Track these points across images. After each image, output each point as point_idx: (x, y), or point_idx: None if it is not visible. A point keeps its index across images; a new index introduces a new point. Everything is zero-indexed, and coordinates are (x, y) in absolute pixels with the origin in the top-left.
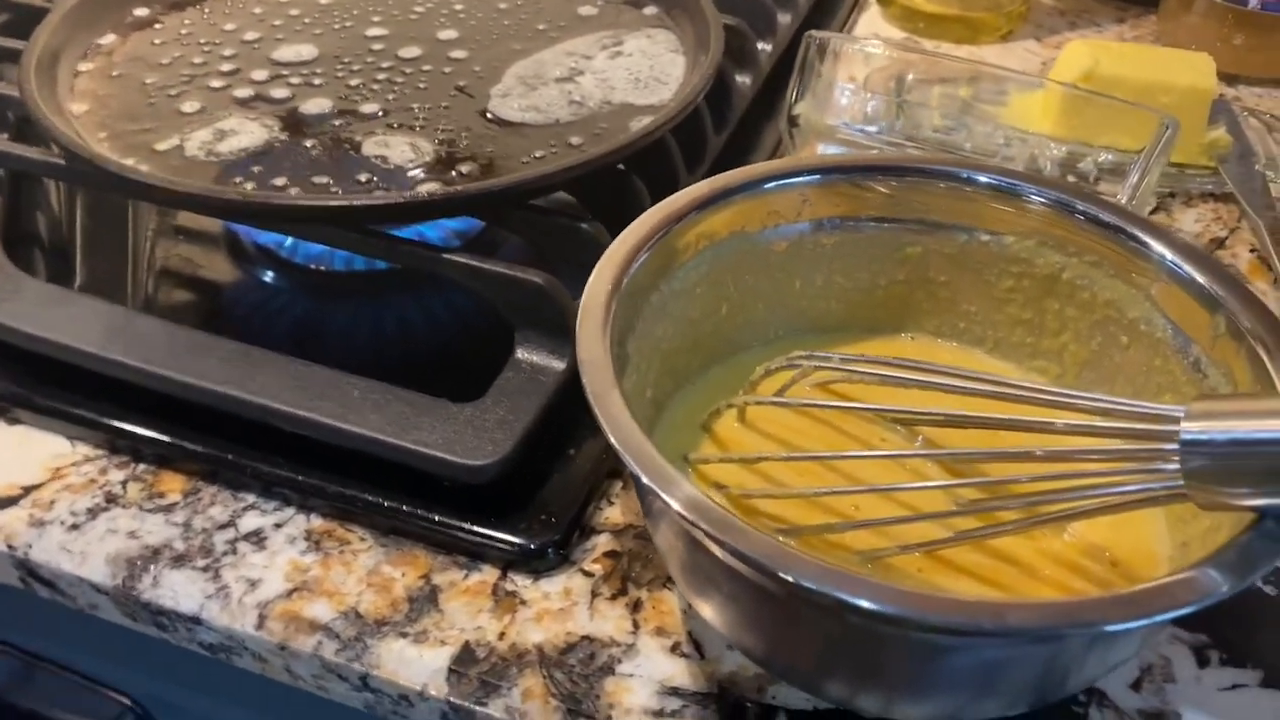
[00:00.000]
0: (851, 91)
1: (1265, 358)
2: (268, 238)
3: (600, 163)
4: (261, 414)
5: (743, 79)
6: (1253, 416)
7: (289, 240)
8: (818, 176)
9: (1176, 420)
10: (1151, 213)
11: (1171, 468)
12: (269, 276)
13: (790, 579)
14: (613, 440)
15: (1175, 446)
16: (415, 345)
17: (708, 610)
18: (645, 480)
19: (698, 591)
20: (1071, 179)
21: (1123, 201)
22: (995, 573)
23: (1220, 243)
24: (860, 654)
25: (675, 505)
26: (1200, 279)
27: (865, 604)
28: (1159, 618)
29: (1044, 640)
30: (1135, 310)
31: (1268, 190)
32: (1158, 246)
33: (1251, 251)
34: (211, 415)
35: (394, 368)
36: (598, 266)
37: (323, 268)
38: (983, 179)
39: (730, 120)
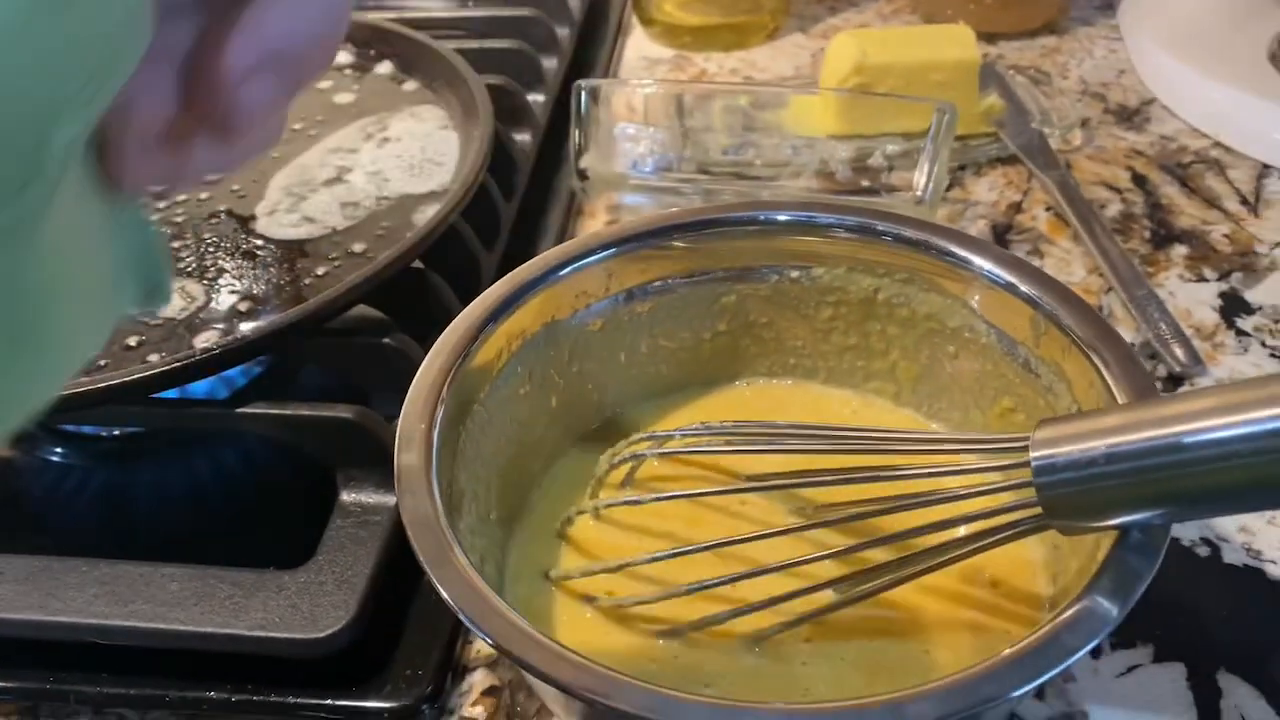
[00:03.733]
0: (633, 131)
1: (1089, 353)
2: None
3: (391, 269)
4: (73, 632)
5: (521, 137)
6: (1097, 435)
7: None
8: (617, 248)
9: (1025, 449)
10: (948, 190)
11: (1030, 500)
12: (56, 454)
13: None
14: (462, 615)
15: (1028, 479)
16: (234, 499)
17: None
18: (516, 655)
19: None
20: (865, 180)
21: (918, 192)
22: (884, 624)
23: (1017, 207)
24: None
25: (554, 676)
26: (1011, 279)
27: None
28: (1060, 667)
29: None
30: (955, 319)
31: (1048, 146)
32: (964, 254)
33: (1048, 210)
34: (17, 645)
35: (215, 533)
36: (406, 405)
37: (115, 432)
38: (781, 218)
39: (518, 184)
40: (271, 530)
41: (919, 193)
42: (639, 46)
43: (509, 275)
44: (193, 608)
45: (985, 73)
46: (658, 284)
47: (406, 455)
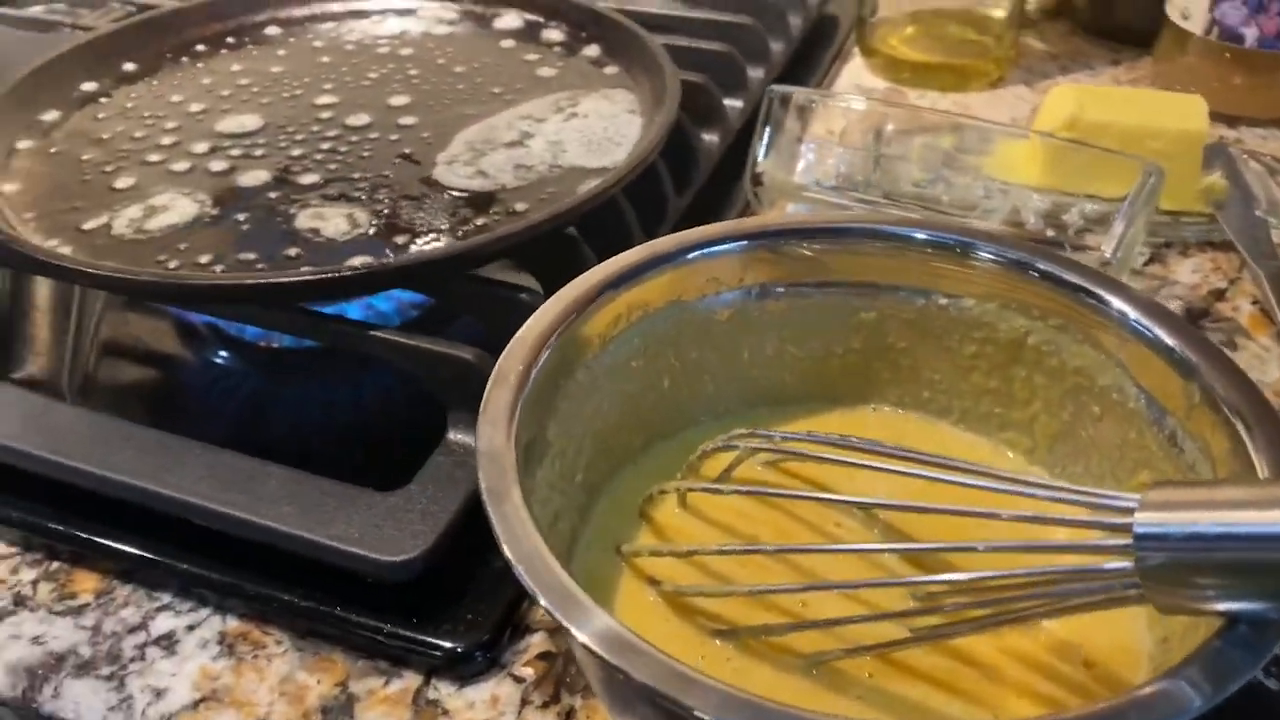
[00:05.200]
0: (818, 148)
1: (1242, 431)
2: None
3: (541, 228)
4: (175, 507)
5: (709, 137)
6: (1215, 507)
7: None
8: (758, 240)
9: (1131, 512)
10: (1145, 264)
11: (1127, 565)
12: (217, 355)
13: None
14: (505, 550)
15: (1128, 542)
16: (363, 424)
17: None
18: (543, 602)
19: (617, 711)
20: (1054, 231)
21: (1107, 254)
22: (954, 676)
23: (1220, 294)
24: None
25: (578, 635)
26: (1172, 343)
27: None
28: None
29: None
30: (1106, 378)
31: (1269, 238)
32: (1125, 308)
33: (1253, 304)
34: (131, 511)
35: (338, 449)
36: (511, 345)
37: (272, 344)
38: (938, 239)
39: (694, 180)
40: (393, 451)
41: (1106, 254)
42: (855, 75)
43: (641, 246)
44: (284, 507)
45: (1213, 151)
46: (795, 285)
47: (498, 390)
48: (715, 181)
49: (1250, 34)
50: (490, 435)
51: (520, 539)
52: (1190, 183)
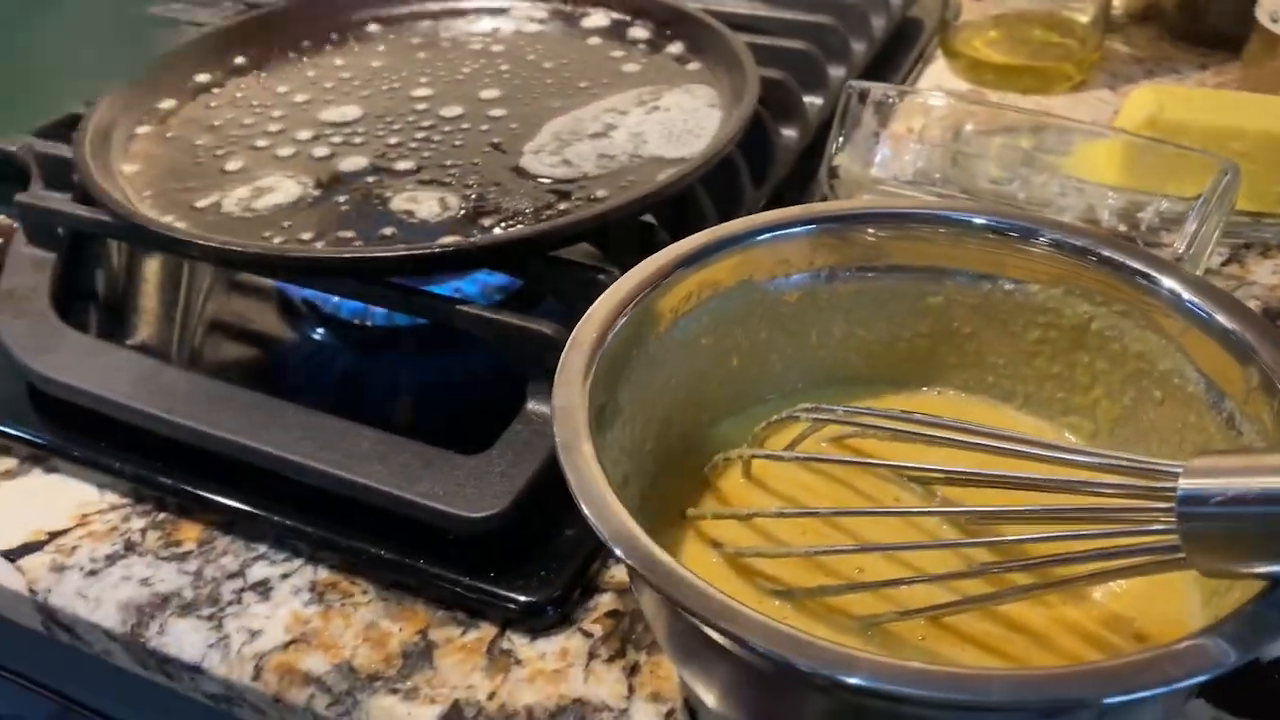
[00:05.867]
0: (895, 142)
1: None
2: (312, 293)
3: (619, 213)
4: (272, 463)
5: (788, 132)
6: (1258, 473)
7: (334, 297)
8: (826, 224)
9: (1175, 476)
10: (1223, 264)
11: (1171, 527)
12: (315, 332)
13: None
14: (575, 493)
15: (1171, 505)
16: (449, 398)
17: (692, 678)
18: (608, 543)
19: (682, 660)
20: (1128, 228)
21: (1179, 251)
22: (1004, 642)
23: None
24: None
25: (644, 573)
26: (1230, 326)
27: (854, 680)
28: (1149, 692)
29: (1037, 711)
30: (1167, 362)
31: None
32: (1183, 292)
33: None
34: (232, 466)
35: (425, 418)
36: (588, 313)
37: (367, 323)
38: (1004, 226)
39: (771, 174)
40: (476, 422)
41: (1179, 250)
42: (937, 76)
43: (713, 228)
44: (375, 465)
45: None
46: (863, 270)
47: (573, 354)
48: (793, 177)
49: None
50: (565, 394)
51: (590, 485)
52: (1272, 184)
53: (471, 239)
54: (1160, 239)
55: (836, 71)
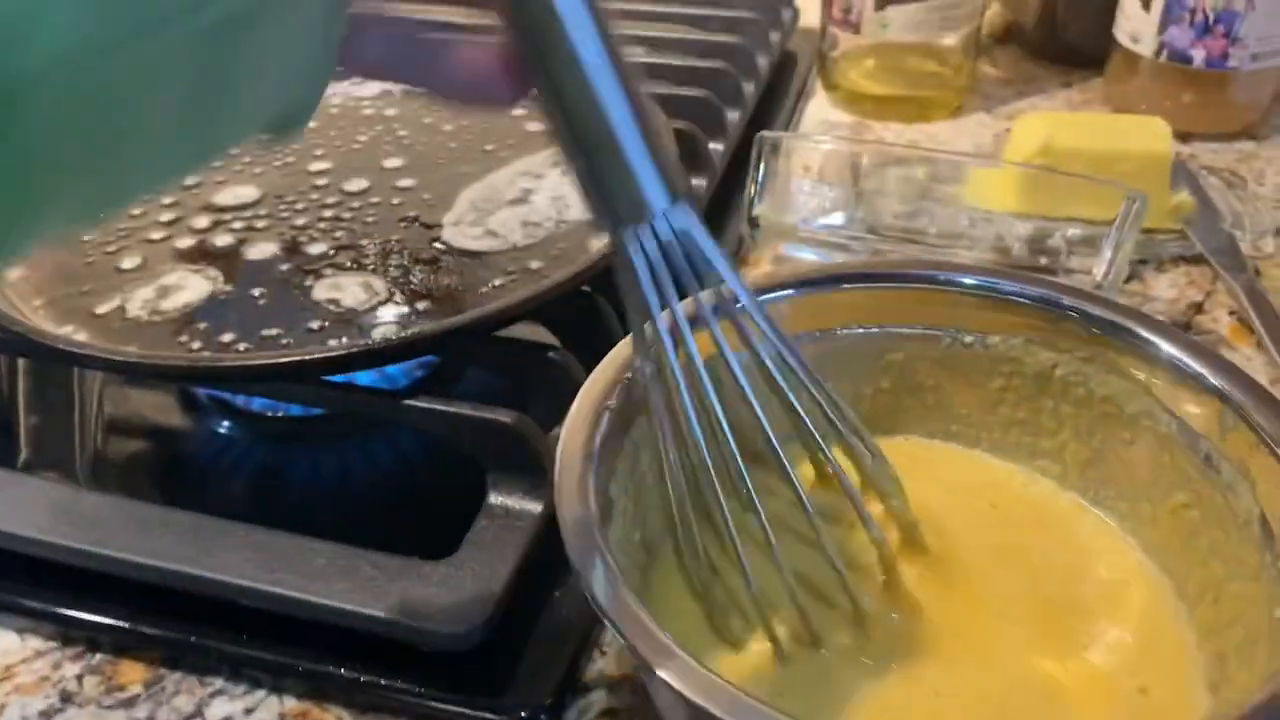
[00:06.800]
0: (809, 187)
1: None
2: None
3: (562, 289)
4: (222, 590)
5: (698, 182)
6: None
7: None
8: (790, 291)
9: None
10: (1126, 281)
11: None
12: (224, 426)
13: None
14: (608, 620)
15: None
16: (383, 491)
17: None
18: (660, 675)
19: None
20: (1046, 259)
21: (1098, 279)
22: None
23: (1198, 307)
24: None
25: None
26: (1200, 369)
27: None
28: None
29: None
30: (1135, 405)
31: (1238, 250)
32: (1151, 338)
33: (1230, 314)
34: (172, 596)
35: (363, 518)
36: (570, 415)
37: (279, 414)
38: (963, 281)
39: None
40: (422, 517)
41: (1098, 279)
42: (819, 110)
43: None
44: (335, 583)
45: (1176, 170)
46: (825, 332)
47: (567, 460)
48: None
49: (1198, 55)
50: (569, 506)
51: (633, 618)
52: (1160, 201)
53: (415, 330)
54: (1075, 265)
55: (732, 115)
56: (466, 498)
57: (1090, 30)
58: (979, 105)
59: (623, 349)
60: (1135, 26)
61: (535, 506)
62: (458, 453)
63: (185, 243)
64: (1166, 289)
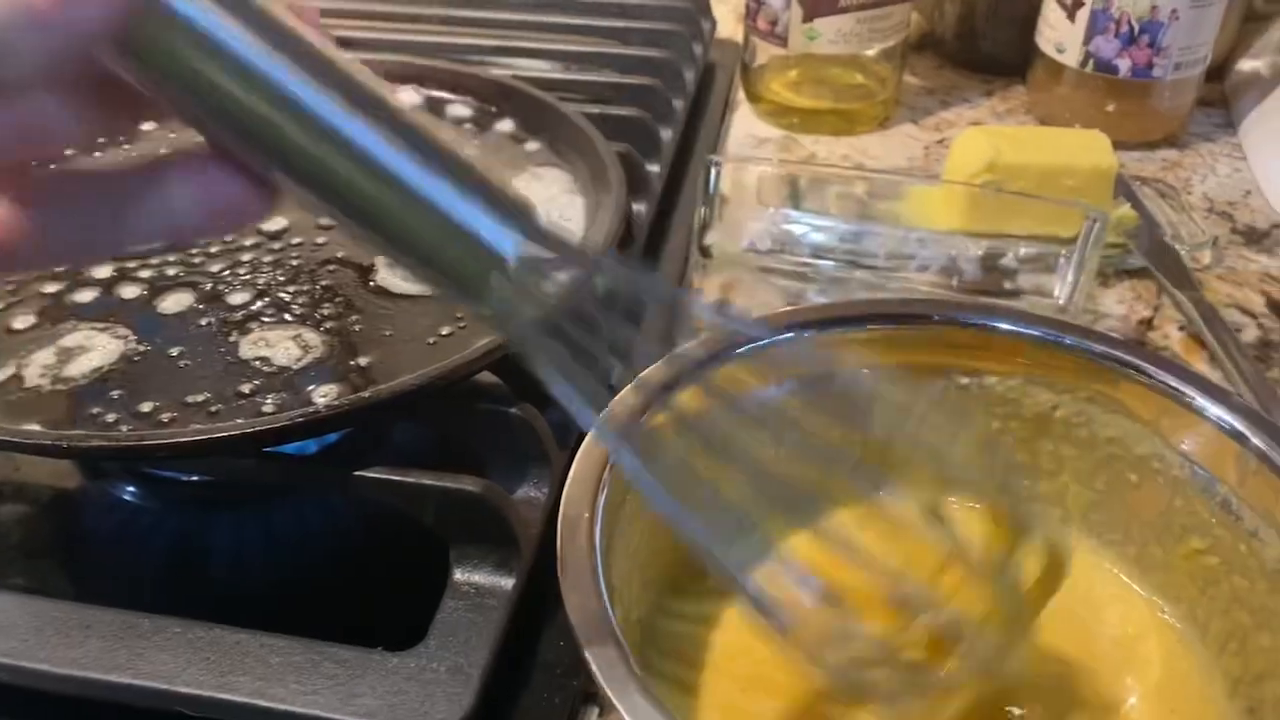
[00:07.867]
0: (756, 212)
1: None
2: None
3: None
4: (161, 701)
5: (639, 207)
6: None
7: None
8: (788, 334)
9: None
10: None
11: None
12: (125, 492)
13: None
14: None
15: None
16: (321, 562)
17: None
18: None
19: None
20: (1007, 282)
21: (1060, 301)
22: None
23: (1149, 323)
24: None
25: None
26: (1216, 411)
27: None
28: None
29: None
30: (1143, 447)
31: (1181, 262)
32: (1161, 377)
33: (1180, 329)
34: (102, 711)
35: (304, 599)
36: (566, 493)
37: (192, 478)
38: (959, 319)
39: (632, 250)
40: (371, 591)
41: (1061, 300)
42: (746, 124)
43: (667, 358)
44: (293, 685)
45: (1116, 182)
46: (819, 379)
47: (571, 547)
48: (647, 252)
49: (1124, 65)
50: (581, 602)
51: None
52: None
53: (365, 394)
54: (1027, 286)
55: (666, 133)
56: (419, 566)
57: (1010, 39)
58: (906, 117)
59: (623, 402)
60: (1060, 36)
61: (506, 583)
62: (410, 523)
63: (86, 296)
64: (1115, 305)
